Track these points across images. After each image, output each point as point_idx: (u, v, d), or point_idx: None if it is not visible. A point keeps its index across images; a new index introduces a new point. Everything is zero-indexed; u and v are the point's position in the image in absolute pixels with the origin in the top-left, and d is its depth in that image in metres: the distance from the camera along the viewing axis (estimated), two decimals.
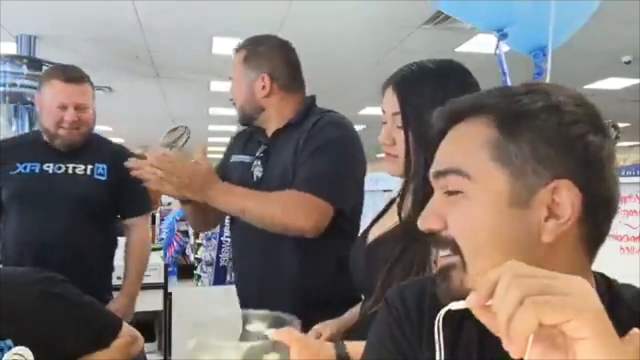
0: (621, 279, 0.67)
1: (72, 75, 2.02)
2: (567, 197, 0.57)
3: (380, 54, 5.58)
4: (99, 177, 2.04)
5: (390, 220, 1.08)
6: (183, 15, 4.52)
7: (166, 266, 3.61)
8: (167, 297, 3.42)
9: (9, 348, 1.08)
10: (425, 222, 0.63)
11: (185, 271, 8.38)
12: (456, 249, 0.61)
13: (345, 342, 0.95)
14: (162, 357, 3.47)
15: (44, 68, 4.70)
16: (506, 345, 0.46)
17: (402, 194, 1.07)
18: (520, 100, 0.60)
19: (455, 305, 0.53)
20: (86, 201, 2.01)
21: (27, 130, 4.75)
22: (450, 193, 0.62)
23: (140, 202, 2.21)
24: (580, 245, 0.61)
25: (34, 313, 1.12)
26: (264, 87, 1.58)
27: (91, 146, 2.08)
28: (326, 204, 1.41)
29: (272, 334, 0.86)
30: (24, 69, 4.71)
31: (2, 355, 1.07)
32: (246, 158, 1.65)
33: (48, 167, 2.01)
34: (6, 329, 1.08)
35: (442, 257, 0.64)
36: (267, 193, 1.46)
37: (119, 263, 2.26)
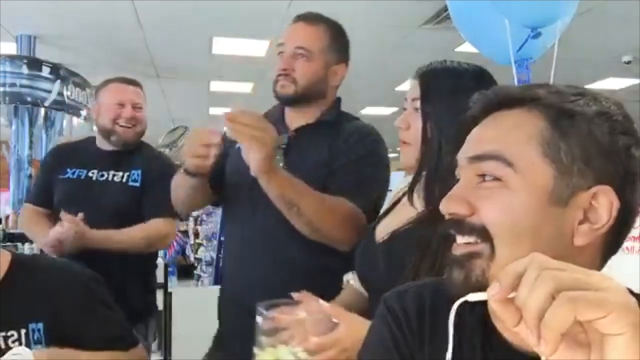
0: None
1: (128, 79, 2.20)
2: (605, 203, 0.58)
3: (381, 54, 5.57)
4: (133, 184, 2.04)
5: (405, 214, 1.07)
6: (183, 15, 4.52)
7: (166, 266, 3.61)
8: (167, 297, 3.43)
9: (39, 331, 1.13)
10: (451, 206, 0.61)
11: (185, 271, 8.36)
12: (486, 237, 0.59)
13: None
14: (162, 357, 3.47)
15: (44, 68, 4.71)
16: (531, 342, 0.44)
17: (411, 186, 1.07)
18: (576, 101, 0.60)
19: (473, 297, 0.50)
20: (120, 209, 2.00)
21: (26, 130, 4.77)
22: (486, 180, 0.60)
23: (162, 204, 1.89)
24: (601, 252, 0.61)
25: (73, 302, 1.17)
26: (339, 76, 1.51)
27: (133, 152, 2.11)
28: (364, 217, 1.35)
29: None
30: (24, 69, 4.71)
31: (31, 338, 1.12)
32: None
33: (92, 173, 2.05)
34: (42, 310, 1.14)
35: (462, 244, 0.61)
36: (323, 196, 1.32)
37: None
